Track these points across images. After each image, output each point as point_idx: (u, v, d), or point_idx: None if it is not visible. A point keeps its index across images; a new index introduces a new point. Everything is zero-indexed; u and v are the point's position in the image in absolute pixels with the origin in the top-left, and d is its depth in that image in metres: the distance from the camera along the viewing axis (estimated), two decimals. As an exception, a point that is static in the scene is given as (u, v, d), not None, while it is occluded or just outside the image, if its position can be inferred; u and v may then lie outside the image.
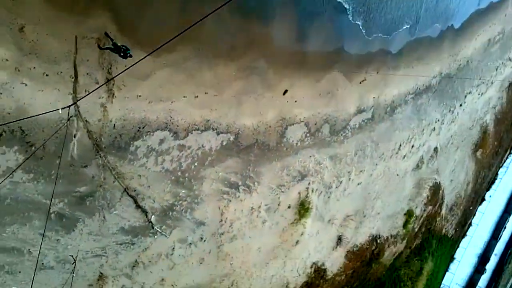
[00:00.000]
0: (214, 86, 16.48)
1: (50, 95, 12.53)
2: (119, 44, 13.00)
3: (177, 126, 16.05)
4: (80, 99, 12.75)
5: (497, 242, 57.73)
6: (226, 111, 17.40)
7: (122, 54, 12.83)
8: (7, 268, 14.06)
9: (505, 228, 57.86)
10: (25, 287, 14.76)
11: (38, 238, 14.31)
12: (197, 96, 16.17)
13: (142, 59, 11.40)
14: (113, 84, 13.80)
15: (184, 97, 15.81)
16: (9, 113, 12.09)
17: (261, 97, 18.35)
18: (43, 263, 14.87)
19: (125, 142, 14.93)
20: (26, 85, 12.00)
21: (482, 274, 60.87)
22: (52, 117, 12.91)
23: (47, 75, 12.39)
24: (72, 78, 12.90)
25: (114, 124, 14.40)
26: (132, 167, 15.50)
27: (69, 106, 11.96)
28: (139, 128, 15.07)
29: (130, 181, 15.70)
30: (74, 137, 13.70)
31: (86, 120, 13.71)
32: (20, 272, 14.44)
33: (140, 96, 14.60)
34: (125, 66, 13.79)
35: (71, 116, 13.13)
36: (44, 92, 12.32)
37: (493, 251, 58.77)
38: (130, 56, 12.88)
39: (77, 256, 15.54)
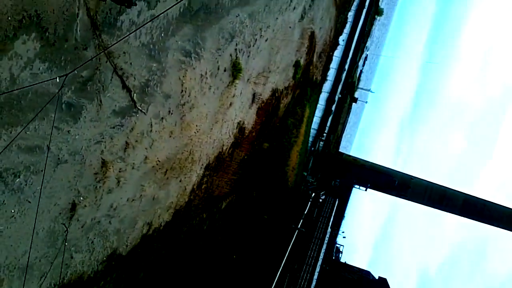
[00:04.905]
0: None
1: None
2: None
3: (149, -5, 15.71)
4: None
5: (339, 84, 65.42)
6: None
7: (126, 3, 12.60)
8: (32, 168, 13.38)
9: (345, 70, 65.47)
10: (46, 185, 14.28)
11: (55, 132, 13.71)
12: (159, -39, 15.80)
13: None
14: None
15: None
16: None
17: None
18: (59, 158, 14.35)
19: (113, 18, 14.35)
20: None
21: (330, 115, 69.51)
22: (58, -4, 12.02)
23: None
24: None
25: (105, -3, 13.73)
26: (119, 44, 15.07)
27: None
28: (122, 0, 14.51)
29: (118, 59, 15.31)
30: (77, 16, 12.85)
31: (84, -5, 12.90)
32: (42, 171, 13.84)
33: (119, -36, 13.89)
34: None
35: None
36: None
37: (337, 93, 66.82)
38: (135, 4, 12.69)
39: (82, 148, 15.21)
